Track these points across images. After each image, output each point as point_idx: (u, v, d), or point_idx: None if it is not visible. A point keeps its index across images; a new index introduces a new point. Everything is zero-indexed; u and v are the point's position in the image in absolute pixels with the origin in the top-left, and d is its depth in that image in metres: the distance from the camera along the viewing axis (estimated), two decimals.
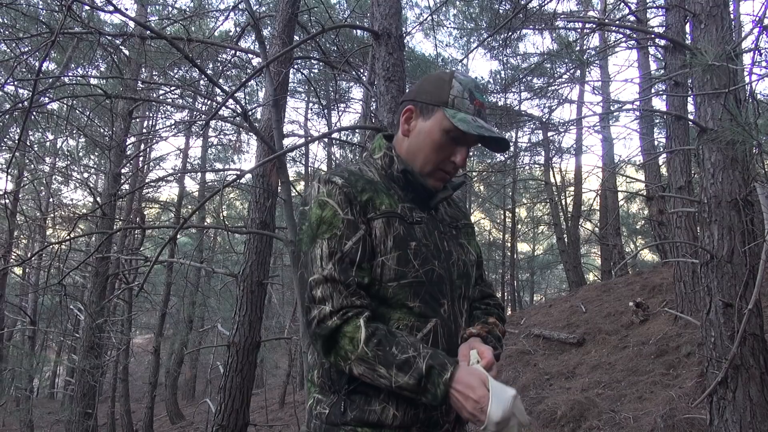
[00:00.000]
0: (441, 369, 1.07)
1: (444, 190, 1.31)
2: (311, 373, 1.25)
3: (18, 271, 14.14)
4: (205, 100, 7.53)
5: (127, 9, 11.06)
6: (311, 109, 15.75)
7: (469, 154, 1.28)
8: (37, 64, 5.46)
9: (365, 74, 6.43)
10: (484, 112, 1.26)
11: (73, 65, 7.26)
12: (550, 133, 14.31)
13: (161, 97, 8.36)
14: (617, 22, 7.08)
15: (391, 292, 1.16)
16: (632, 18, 6.89)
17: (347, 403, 1.16)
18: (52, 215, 11.22)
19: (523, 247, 21.72)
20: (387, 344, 1.09)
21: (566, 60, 11.54)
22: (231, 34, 9.48)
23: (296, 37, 5.60)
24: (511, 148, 15.62)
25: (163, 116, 11.88)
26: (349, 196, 1.17)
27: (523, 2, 6.46)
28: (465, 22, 12.69)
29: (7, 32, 6.13)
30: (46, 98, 5.62)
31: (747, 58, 3.42)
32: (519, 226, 18.19)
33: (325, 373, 1.20)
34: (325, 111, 13.80)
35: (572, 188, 15.30)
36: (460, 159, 1.24)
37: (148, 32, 5.62)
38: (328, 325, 1.10)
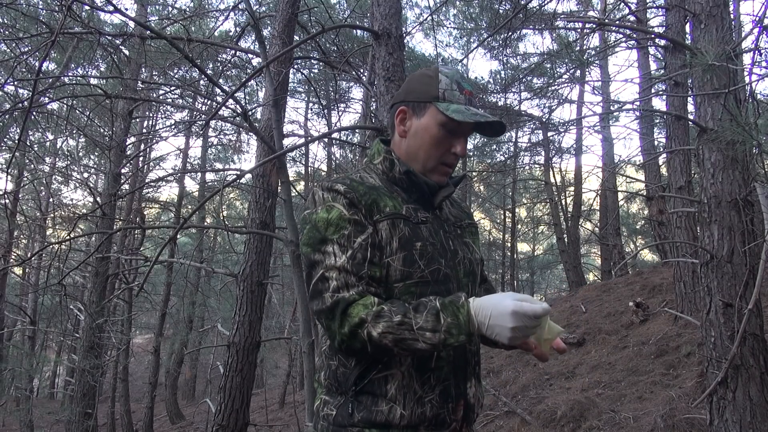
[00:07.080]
0: (455, 298, 1.10)
1: (446, 187, 1.31)
2: (318, 375, 1.26)
3: (18, 271, 14.14)
4: (205, 100, 7.53)
5: (127, 9, 11.08)
6: (311, 109, 15.77)
7: (468, 151, 1.31)
8: (37, 64, 5.46)
9: (365, 74, 6.43)
10: (475, 100, 1.27)
11: (73, 65, 7.26)
12: (550, 133, 14.31)
13: (161, 97, 8.37)
14: (617, 22, 7.08)
15: (397, 293, 1.17)
16: (632, 18, 6.89)
17: (354, 404, 1.15)
18: (52, 215, 11.22)
19: (523, 247, 21.73)
20: (400, 302, 1.12)
21: (566, 60, 11.52)
22: (231, 34, 9.48)
23: (296, 37, 5.60)
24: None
25: (163, 116, 11.89)
26: (353, 200, 1.17)
27: (523, 2, 6.45)
28: (465, 22, 12.70)
29: (7, 32, 6.13)
30: (46, 98, 5.62)
31: (747, 58, 3.42)
32: (519, 226, 18.19)
33: (331, 375, 1.20)
34: (325, 111, 13.81)
35: (572, 188, 15.30)
36: (460, 149, 1.26)
37: (148, 32, 5.62)
38: (345, 297, 1.11)
